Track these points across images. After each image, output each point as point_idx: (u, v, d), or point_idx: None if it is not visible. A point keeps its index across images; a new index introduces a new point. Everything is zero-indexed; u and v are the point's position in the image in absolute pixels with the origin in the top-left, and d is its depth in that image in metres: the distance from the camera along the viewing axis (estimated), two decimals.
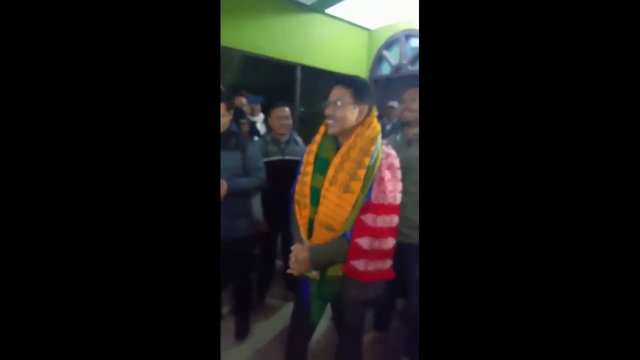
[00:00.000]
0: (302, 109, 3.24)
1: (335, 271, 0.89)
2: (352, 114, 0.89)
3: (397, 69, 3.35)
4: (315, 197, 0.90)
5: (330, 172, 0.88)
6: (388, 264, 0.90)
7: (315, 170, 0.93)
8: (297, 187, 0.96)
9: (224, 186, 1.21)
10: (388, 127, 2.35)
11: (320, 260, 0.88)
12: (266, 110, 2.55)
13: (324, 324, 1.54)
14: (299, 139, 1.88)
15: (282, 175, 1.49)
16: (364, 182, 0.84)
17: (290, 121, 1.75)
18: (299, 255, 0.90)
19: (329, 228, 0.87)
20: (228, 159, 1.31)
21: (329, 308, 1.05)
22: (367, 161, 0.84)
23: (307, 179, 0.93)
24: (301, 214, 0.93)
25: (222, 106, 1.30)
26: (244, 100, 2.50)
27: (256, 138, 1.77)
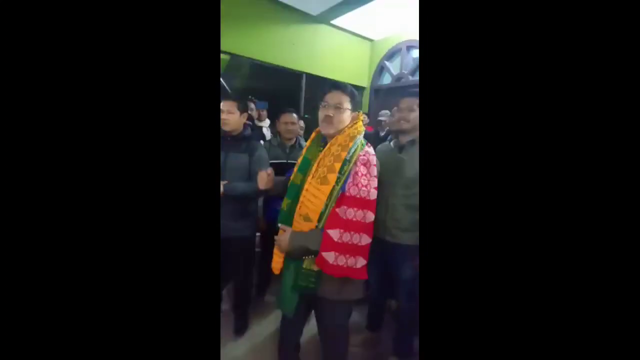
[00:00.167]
0: (306, 115, 3.32)
1: (310, 264, 0.91)
2: (348, 118, 0.96)
3: (397, 79, 3.43)
4: (291, 190, 0.99)
5: (314, 168, 0.94)
6: (360, 262, 0.89)
7: (298, 170, 1.00)
8: None
9: (220, 189, 1.27)
10: (382, 134, 2.43)
11: (296, 243, 0.92)
12: (272, 116, 2.65)
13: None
14: (304, 144, 1.96)
15: (277, 182, 1.56)
16: (339, 174, 0.88)
17: (296, 127, 1.84)
18: (281, 237, 0.96)
19: (306, 218, 0.91)
20: (236, 161, 1.39)
21: None
22: (343, 155, 0.90)
23: (292, 176, 1.01)
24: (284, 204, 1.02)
25: (234, 106, 1.38)
26: (252, 105, 2.60)
27: (262, 142, 1.85)
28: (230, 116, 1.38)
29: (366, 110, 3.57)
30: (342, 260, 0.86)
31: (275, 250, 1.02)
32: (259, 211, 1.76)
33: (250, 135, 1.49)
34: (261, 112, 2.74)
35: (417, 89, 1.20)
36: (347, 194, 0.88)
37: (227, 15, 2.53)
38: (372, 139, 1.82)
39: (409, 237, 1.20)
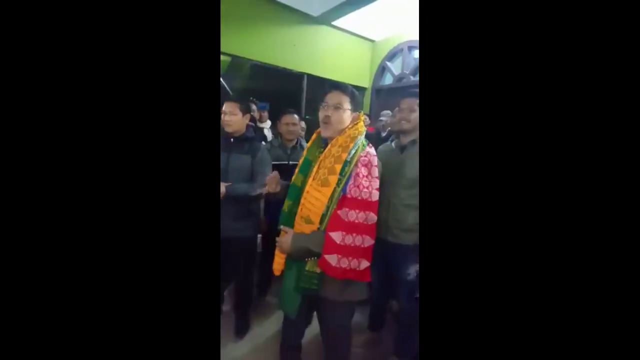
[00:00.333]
0: (307, 117, 3.33)
1: (313, 267, 0.90)
2: (348, 118, 0.95)
3: (399, 79, 3.43)
4: (292, 192, 0.98)
5: (314, 169, 0.94)
6: (364, 264, 0.88)
7: (299, 171, 1.00)
8: None
9: (222, 190, 1.27)
10: (383, 134, 2.43)
11: (298, 245, 0.91)
12: (273, 118, 2.65)
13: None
14: (305, 145, 1.97)
15: (286, 178, 1.56)
16: (340, 176, 0.87)
17: (297, 128, 1.85)
18: (282, 239, 0.95)
19: (308, 220, 0.91)
20: (239, 162, 1.39)
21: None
22: (344, 156, 0.89)
23: (293, 178, 1.01)
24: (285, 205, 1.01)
25: (236, 107, 1.38)
26: (254, 107, 2.61)
27: (263, 143, 1.86)
28: (233, 117, 1.38)
29: (367, 111, 3.57)
30: (345, 263, 0.85)
31: (277, 252, 1.01)
32: (260, 212, 1.76)
33: (252, 136, 1.49)
34: (262, 114, 2.74)
35: (418, 89, 1.20)
36: (349, 195, 0.87)
37: (228, 17, 2.54)
38: (374, 139, 1.82)
39: (411, 238, 1.20)
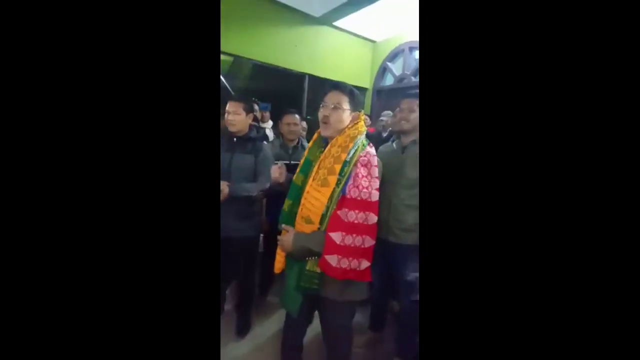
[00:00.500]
0: (308, 117, 3.33)
1: (313, 266, 0.90)
2: (347, 118, 0.96)
3: (400, 79, 3.44)
4: (292, 191, 0.99)
5: (314, 169, 0.94)
6: (364, 264, 0.88)
7: (300, 171, 1.00)
8: None
9: (225, 190, 1.27)
10: (384, 134, 2.43)
11: (299, 245, 0.91)
12: (274, 118, 2.65)
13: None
14: (307, 145, 1.97)
15: (287, 177, 1.57)
16: (339, 176, 0.87)
17: (299, 128, 1.85)
18: (284, 237, 0.96)
19: (308, 220, 0.91)
20: (242, 161, 1.40)
21: None
22: (343, 156, 0.89)
23: (294, 177, 1.01)
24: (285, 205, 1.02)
25: (240, 107, 1.38)
26: (256, 107, 2.62)
27: (265, 143, 1.87)
28: (237, 117, 1.38)
29: (368, 111, 3.58)
30: (345, 263, 0.85)
31: (278, 250, 1.02)
32: (262, 212, 1.77)
33: (256, 136, 1.49)
34: (264, 114, 2.75)
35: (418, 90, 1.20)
36: (348, 196, 0.87)
37: (229, 17, 2.55)
38: (375, 140, 1.82)
39: (412, 238, 1.20)
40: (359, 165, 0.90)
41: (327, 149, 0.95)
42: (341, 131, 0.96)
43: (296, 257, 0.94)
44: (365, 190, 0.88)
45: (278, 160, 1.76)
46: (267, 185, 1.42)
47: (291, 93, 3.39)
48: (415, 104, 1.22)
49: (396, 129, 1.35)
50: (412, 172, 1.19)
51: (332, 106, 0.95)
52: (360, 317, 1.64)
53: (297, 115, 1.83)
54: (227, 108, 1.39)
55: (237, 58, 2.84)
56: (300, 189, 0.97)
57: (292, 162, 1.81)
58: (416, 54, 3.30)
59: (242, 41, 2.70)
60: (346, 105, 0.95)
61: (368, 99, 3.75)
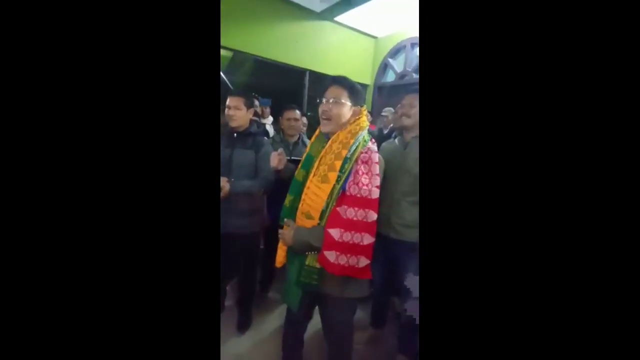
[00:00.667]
0: (309, 113, 3.32)
1: (313, 261, 0.91)
2: (347, 112, 0.95)
3: (401, 76, 3.42)
4: (293, 186, 0.99)
5: (315, 165, 0.94)
6: (363, 262, 0.87)
7: (302, 166, 1.00)
8: None
9: (226, 186, 1.26)
10: (385, 131, 2.42)
11: (299, 239, 0.91)
12: (275, 114, 2.64)
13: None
14: (307, 141, 1.97)
15: (289, 167, 1.56)
16: (339, 173, 0.87)
17: (299, 123, 1.84)
18: (285, 231, 0.96)
19: (308, 216, 0.92)
20: (243, 157, 1.38)
21: None
22: (344, 153, 0.89)
23: (296, 172, 1.01)
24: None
25: (241, 102, 1.37)
26: (257, 102, 2.61)
27: (266, 139, 1.86)
28: (237, 112, 1.37)
29: (369, 108, 3.56)
30: (343, 260, 0.85)
31: (280, 245, 1.02)
32: (263, 208, 1.76)
33: (256, 131, 1.48)
34: (264, 109, 2.73)
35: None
36: (348, 193, 0.87)
37: (230, 12, 2.53)
38: (375, 137, 1.81)
39: (413, 234, 1.20)
40: (359, 162, 0.89)
41: (328, 144, 0.95)
42: (342, 126, 0.95)
43: (297, 251, 0.94)
44: (365, 187, 0.87)
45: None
46: (269, 183, 1.41)
47: (292, 89, 3.37)
48: (416, 99, 1.21)
49: (397, 125, 1.34)
50: (414, 168, 1.19)
51: (332, 101, 0.94)
52: (361, 314, 1.64)
53: (297, 111, 1.82)
54: (227, 103, 1.38)
55: (237, 53, 2.82)
56: (302, 185, 0.97)
57: (292, 157, 1.81)
58: (418, 50, 3.28)
59: (243, 36, 2.68)
60: (346, 100, 0.94)
61: (369, 96, 3.73)
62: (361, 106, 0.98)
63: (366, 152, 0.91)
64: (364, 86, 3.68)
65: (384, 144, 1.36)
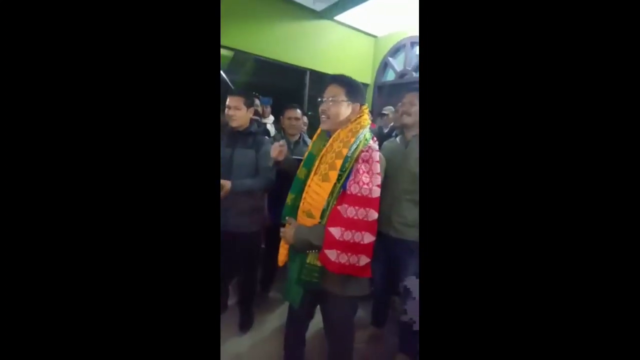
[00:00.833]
0: (309, 112, 3.32)
1: (314, 260, 0.90)
2: (345, 110, 0.95)
3: (401, 75, 3.42)
4: (295, 185, 0.99)
5: (317, 163, 0.94)
6: (364, 260, 0.87)
7: (303, 165, 1.00)
8: None
9: (227, 186, 1.26)
10: (386, 130, 2.42)
11: (301, 237, 0.91)
12: (276, 113, 2.64)
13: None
14: (308, 141, 1.97)
15: (289, 172, 1.56)
16: (340, 171, 0.87)
17: (300, 122, 1.85)
18: (287, 229, 0.96)
19: (309, 215, 0.92)
20: (243, 157, 1.38)
21: None
22: (345, 152, 0.88)
23: (298, 171, 1.01)
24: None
25: (241, 101, 1.37)
26: (257, 101, 2.61)
27: (267, 138, 1.87)
28: (238, 112, 1.37)
29: (370, 107, 3.56)
30: (344, 258, 0.85)
31: (282, 243, 1.02)
32: (264, 208, 1.76)
33: (257, 130, 1.48)
34: (265, 109, 2.74)
35: None
36: (348, 192, 0.87)
37: (230, 11, 2.52)
38: (375, 136, 1.81)
39: (414, 233, 1.20)
40: (360, 161, 0.89)
41: (329, 143, 0.95)
42: (341, 124, 0.95)
43: (297, 250, 0.95)
44: (365, 186, 0.87)
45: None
46: (270, 181, 1.41)
47: (292, 88, 3.37)
48: (417, 98, 1.21)
49: (398, 124, 1.35)
50: (415, 167, 1.19)
51: (330, 99, 0.94)
52: (362, 313, 1.65)
53: (298, 110, 1.83)
54: (227, 103, 1.38)
55: (238, 53, 2.82)
56: (303, 183, 0.97)
57: (293, 157, 1.81)
58: (418, 49, 3.27)
59: (243, 36, 2.68)
60: (343, 97, 0.94)
61: (369, 95, 3.73)
62: (362, 104, 0.98)
63: (367, 151, 0.90)
64: (365, 85, 3.68)
65: (385, 143, 1.36)
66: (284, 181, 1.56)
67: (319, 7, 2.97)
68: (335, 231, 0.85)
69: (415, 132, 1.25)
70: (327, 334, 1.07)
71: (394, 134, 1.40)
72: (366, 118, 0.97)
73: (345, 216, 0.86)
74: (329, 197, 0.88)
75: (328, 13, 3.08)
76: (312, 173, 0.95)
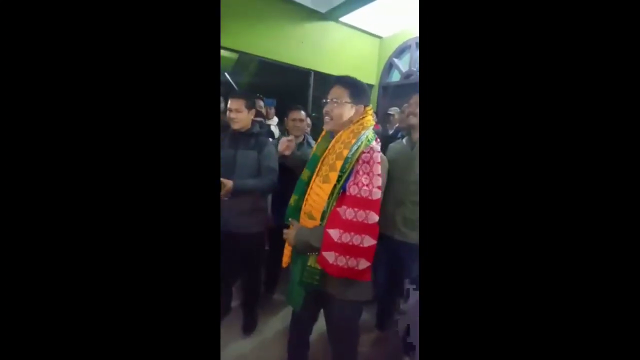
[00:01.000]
0: (314, 114, 3.33)
1: (315, 262, 0.89)
2: (349, 112, 0.94)
3: (406, 76, 3.39)
4: (299, 186, 0.99)
5: (319, 165, 0.93)
6: (363, 264, 0.85)
7: (307, 166, 0.99)
8: None
9: (228, 185, 1.25)
10: (390, 131, 2.40)
11: (302, 239, 0.91)
12: (280, 114, 2.64)
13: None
14: (312, 142, 1.97)
15: (292, 174, 1.56)
16: (340, 172, 0.86)
17: (304, 124, 1.84)
18: (289, 232, 0.96)
19: (310, 216, 0.91)
20: (245, 158, 1.38)
21: None
22: (345, 153, 0.87)
23: (302, 173, 1.01)
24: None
25: (242, 104, 1.37)
26: (261, 103, 2.61)
27: (271, 140, 1.87)
28: (239, 115, 1.37)
29: (374, 108, 3.54)
30: (342, 261, 0.83)
31: (286, 244, 1.02)
32: (267, 209, 1.76)
33: (258, 131, 1.48)
34: (269, 110, 2.74)
35: None
36: (348, 193, 0.86)
37: (235, 13, 2.54)
38: (380, 137, 1.80)
39: (418, 236, 1.18)
40: (360, 162, 0.88)
41: (331, 144, 0.94)
42: (344, 125, 0.94)
43: (299, 251, 0.94)
44: (365, 187, 0.85)
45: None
46: (273, 183, 1.41)
47: (296, 90, 3.37)
48: None
49: (404, 125, 1.33)
50: None
51: (334, 101, 0.94)
52: (367, 316, 1.63)
53: (302, 111, 1.83)
54: (228, 105, 1.38)
55: (242, 55, 2.83)
56: (307, 185, 0.97)
57: (300, 154, 1.81)
58: None
59: (248, 38, 2.68)
60: (347, 99, 0.93)
61: (374, 96, 3.71)
62: (366, 105, 0.97)
63: (368, 152, 0.89)
64: (370, 86, 3.67)
65: (391, 144, 1.35)
66: (289, 182, 1.56)
67: (323, 8, 2.97)
68: (334, 233, 0.84)
69: None
70: (330, 337, 1.06)
71: (399, 135, 1.39)
72: (369, 119, 0.95)
73: (344, 218, 0.84)
74: (329, 198, 0.87)
75: (333, 14, 3.08)
76: (315, 174, 0.94)
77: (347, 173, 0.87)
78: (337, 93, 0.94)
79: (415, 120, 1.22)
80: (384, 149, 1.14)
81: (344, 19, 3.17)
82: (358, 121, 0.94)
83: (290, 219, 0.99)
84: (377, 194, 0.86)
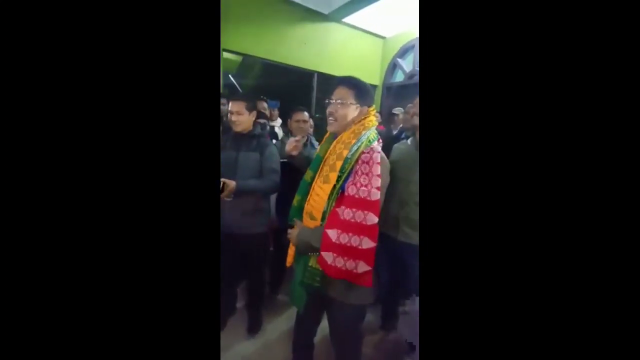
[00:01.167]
0: (317, 115, 3.33)
1: (316, 262, 0.89)
2: (353, 113, 0.93)
3: (410, 76, 3.39)
4: (302, 187, 0.99)
5: (321, 166, 0.94)
6: (362, 267, 0.83)
7: (310, 167, 1.00)
8: None
9: (231, 185, 1.25)
10: (395, 132, 2.40)
11: (303, 239, 0.91)
12: (283, 116, 2.65)
13: None
14: (315, 143, 1.97)
15: (295, 174, 1.56)
16: (339, 173, 0.86)
17: (307, 125, 1.85)
18: (292, 232, 0.96)
19: (311, 216, 0.91)
20: (247, 159, 1.38)
21: None
22: (345, 153, 0.87)
23: (305, 174, 1.01)
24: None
25: (243, 106, 1.38)
26: (265, 104, 2.63)
27: (274, 141, 1.87)
28: (240, 117, 1.38)
29: (378, 108, 3.53)
30: (340, 262, 0.82)
31: (290, 244, 1.02)
32: (272, 208, 1.76)
33: (260, 133, 1.49)
34: (273, 112, 2.75)
35: None
36: (346, 193, 0.85)
37: (238, 16, 2.55)
38: (384, 137, 1.79)
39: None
40: (359, 162, 0.87)
41: (332, 145, 0.94)
42: (347, 126, 0.94)
43: (300, 252, 0.94)
44: (363, 188, 0.84)
45: (284, 158, 1.76)
46: (275, 183, 1.41)
47: (300, 91, 3.38)
48: None
49: (409, 125, 1.33)
50: None
51: (338, 101, 0.93)
52: (371, 317, 1.62)
53: (306, 113, 1.84)
54: (229, 108, 1.39)
55: (246, 57, 2.85)
56: (309, 185, 0.97)
57: (306, 154, 1.82)
58: None
59: (251, 40, 2.70)
60: (351, 100, 0.92)
61: (378, 96, 3.71)
62: (369, 106, 0.97)
63: (368, 152, 0.88)
64: (373, 87, 3.66)
65: (395, 145, 1.35)
66: (293, 183, 1.56)
67: (326, 9, 2.97)
68: (332, 233, 0.83)
69: None
70: (333, 340, 1.05)
71: (402, 135, 1.38)
72: (371, 120, 0.95)
73: (342, 218, 0.83)
74: (329, 199, 0.87)
75: (336, 15, 3.08)
76: (317, 175, 0.95)
77: (346, 173, 0.86)
78: (342, 94, 0.93)
79: (418, 121, 1.22)
80: (388, 150, 1.14)
81: (347, 19, 3.17)
82: (360, 122, 0.93)
83: (294, 219, 0.99)
84: (376, 195, 0.84)
